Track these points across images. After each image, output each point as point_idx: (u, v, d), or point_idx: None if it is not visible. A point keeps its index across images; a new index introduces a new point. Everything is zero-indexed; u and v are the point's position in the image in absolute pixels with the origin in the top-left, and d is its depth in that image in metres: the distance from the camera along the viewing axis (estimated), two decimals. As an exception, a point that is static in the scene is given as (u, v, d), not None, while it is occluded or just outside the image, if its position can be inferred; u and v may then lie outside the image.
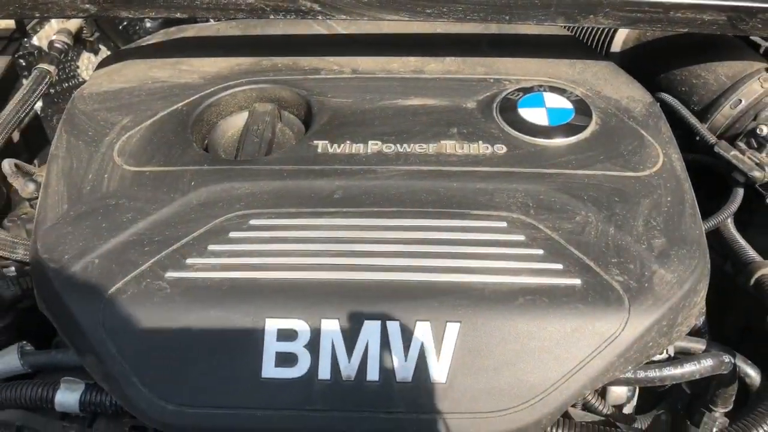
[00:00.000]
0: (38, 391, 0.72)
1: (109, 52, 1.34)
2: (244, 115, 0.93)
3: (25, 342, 0.78)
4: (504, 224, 0.74)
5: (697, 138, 0.90)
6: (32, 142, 1.13)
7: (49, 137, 1.16)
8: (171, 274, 0.70)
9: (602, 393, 0.78)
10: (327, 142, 0.84)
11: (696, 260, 0.71)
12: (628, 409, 0.82)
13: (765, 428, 0.64)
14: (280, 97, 0.94)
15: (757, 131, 0.87)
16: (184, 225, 0.75)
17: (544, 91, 0.89)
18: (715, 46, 0.97)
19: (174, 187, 0.79)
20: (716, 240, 0.87)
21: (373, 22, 1.01)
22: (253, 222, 0.75)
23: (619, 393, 0.79)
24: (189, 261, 0.72)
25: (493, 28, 1.03)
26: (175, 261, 0.72)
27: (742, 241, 0.83)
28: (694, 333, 0.79)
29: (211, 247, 0.73)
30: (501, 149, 0.82)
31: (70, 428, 0.74)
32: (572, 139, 0.83)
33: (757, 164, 0.84)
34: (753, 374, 0.74)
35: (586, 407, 0.77)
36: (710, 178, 0.92)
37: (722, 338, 0.81)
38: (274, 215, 0.76)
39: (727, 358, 0.73)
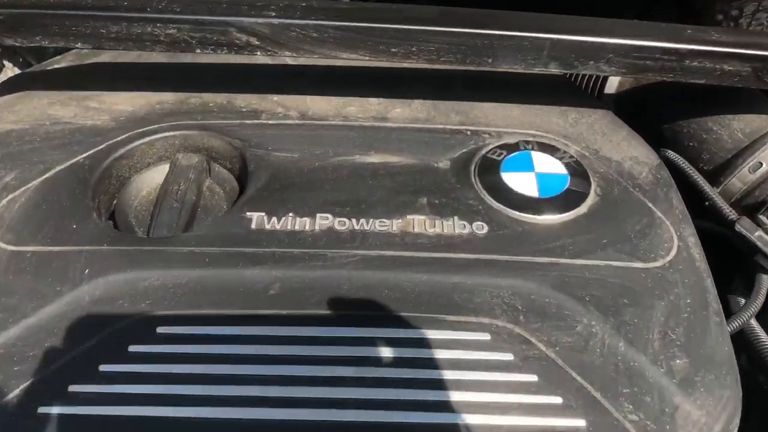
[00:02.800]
0: None
1: (17, 71, 1.14)
2: (163, 169, 0.75)
3: None
4: (487, 336, 0.58)
5: (712, 209, 0.75)
6: None
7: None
8: (45, 410, 0.53)
9: None
10: (264, 214, 0.66)
11: (728, 390, 0.56)
12: None
13: None
14: (209, 147, 0.76)
15: (785, 205, 0.73)
16: (70, 333, 0.57)
17: (533, 149, 0.74)
18: (729, 93, 0.82)
19: (62, 276, 0.61)
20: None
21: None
22: (160, 330, 0.57)
23: None
24: (73, 388, 0.54)
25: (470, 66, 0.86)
26: (53, 388, 0.54)
27: (763, 336, 0.69)
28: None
29: (104, 368, 0.55)
30: (481, 228, 0.66)
31: None
32: (568, 216, 0.68)
33: (787, 248, 0.70)
34: None
35: None
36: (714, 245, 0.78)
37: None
38: (189, 320, 0.58)
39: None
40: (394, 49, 0.70)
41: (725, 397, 0.56)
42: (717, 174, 0.80)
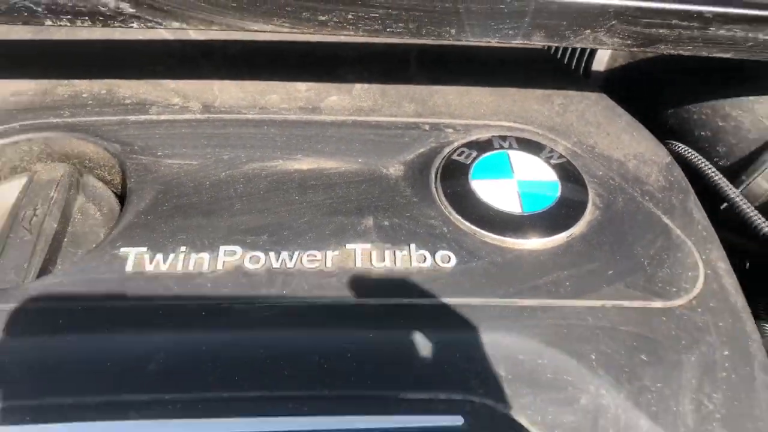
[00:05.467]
0: None
1: None
2: (17, 186, 0.55)
3: None
4: (460, 420, 0.41)
5: (737, 217, 0.59)
6: None
7: None
8: None
9: None
10: (145, 249, 0.48)
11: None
12: None
13: None
14: (80, 154, 0.56)
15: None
16: None
17: (510, 147, 0.56)
18: (749, 70, 0.66)
19: None
20: None
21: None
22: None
23: None
24: None
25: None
26: None
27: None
28: None
29: None
30: (447, 260, 0.49)
31: None
32: (561, 239, 0.51)
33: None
34: None
35: None
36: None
37: None
38: (36, 417, 0.40)
39: None
40: (322, 17, 0.52)
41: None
42: (738, 171, 0.64)
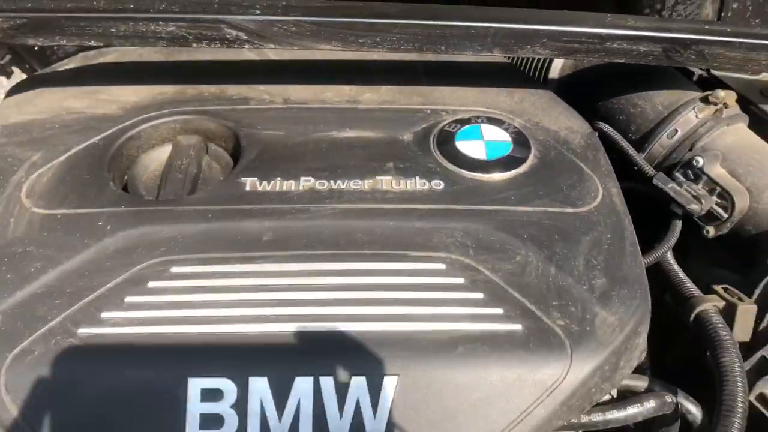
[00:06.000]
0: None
1: (24, 76, 1.25)
2: (167, 149, 0.87)
3: None
4: (443, 266, 0.71)
5: (635, 168, 0.89)
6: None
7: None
8: (84, 330, 0.64)
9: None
10: (256, 179, 0.79)
11: (637, 301, 0.70)
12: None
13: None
14: (206, 129, 0.88)
15: (693, 162, 0.86)
16: (99, 274, 0.69)
17: (482, 122, 0.87)
18: (651, 74, 0.97)
19: (88, 231, 0.73)
20: (655, 271, 0.86)
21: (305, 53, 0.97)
22: (174, 270, 0.69)
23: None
24: (104, 315, 0.66)
25: (430, 55, 1.00)
26: (88, 315, 0.66)
27: (681, 275, 0.83)
28: (636, 370, 0.78)
29: (129, 299, 0.67)
30: (439, 185, 0.79)
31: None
32: (511, 174, 0.81)
33: (694, 197, 0.83)
34: (695, 411, 0.73)
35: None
36: (642, 204, 0.91)
37: (662, 370, 0.80)
38: (198, 262, 0.70)
39: (669, 398, 0.72)
40: (361, 40, 0.84)
41: (635, 306, 0.69)
42: (643, 141, 0.94)
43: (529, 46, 0.84)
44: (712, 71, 1.01)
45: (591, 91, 1.03)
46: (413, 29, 0.83)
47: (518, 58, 1.11)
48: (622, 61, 0.86)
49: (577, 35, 0.83)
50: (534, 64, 1.09)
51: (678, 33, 0.84)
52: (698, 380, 0.79)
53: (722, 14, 0.98)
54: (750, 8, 0.98)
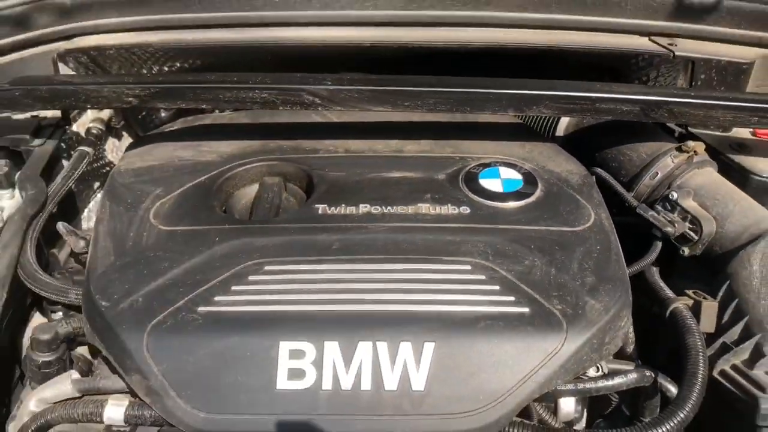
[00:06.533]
0: (90, 407, 0.87)
1: (130, 139, 1.55)
2: (256, 186, 1.13)
3: (73, 370, 0.93)
4: (468, 267, 0.93)
5: (625, 203, 1.11)
6: (67, 212, 1.31)
7: (79, 210, 1.35)
8: (202, 309, 0.88)
9: (554, 410, 0.94)
10: (326, 205, 1.04)
11: (619, 293, 0.91)
12: (578, 426, 0.98)
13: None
14: (285, 172, 1.14)
15: (670, 197, 1.08)
16: (211, 271, 0.93)
17: (500, 166, 1.11)
18: (637, 130, 1.20)
19: (202, 242, 0.98)
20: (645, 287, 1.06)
21: (361, 112, 1.24)
22: (267, 268, 0.93)
23: (568, 410, 0.95)
24: (217, 298, 0.89)
25: (458, 117, 1.26)
26: (205, 299, 0.89)
27: (661, 284, 1.03)
28: (626, 359, 0.97)
29: (234, 288, 0.90)
30: (466, 210, 1.02)
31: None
32: (522, 203, 1.04)
33: (669, 222, 1.05)
34: (671, 388, 0.91)
35: (541, 422, 0.93)
36: (639, 238, 1.13)
37: (653, 364, 0.99)
38: (284, 263, 0.94)
39: (648, 372, 0.91)
40: (406, 103, 1.10)
41: (617, 297, 0.90)
42: (631, 182, 1.17)
43: (535, 107, 1.09)
44: (690, 129, 1.25)
45: (590, 144, 1.27)
46: (446, 95, 1.09)
47: (532, 120, 1.36)
48: (610, 118, 1.10)
49: (572, 98, 1.08)
50: (544, 124, 1.34)
51: (652, 96, 1.08)
52: (682, 367, 0.97)
53: (692, 83, 1.22)
54: (715, 79, 1.22)
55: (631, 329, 0.98)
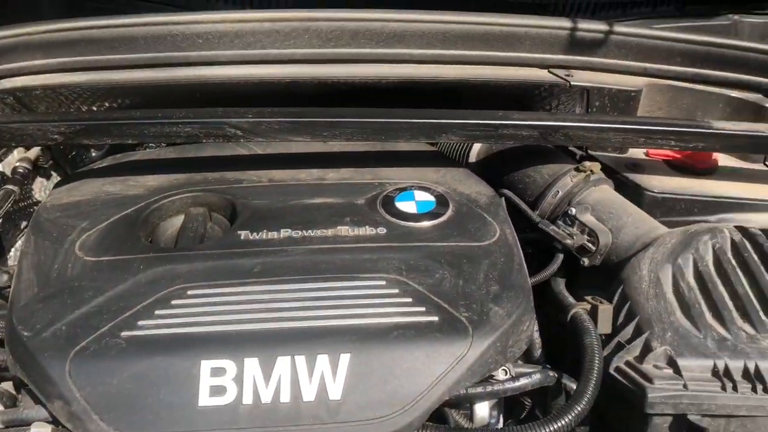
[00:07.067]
0: (12, 434, 0.88)
1: (59, 178, 1.57)
2: (181, 217, 1.17)
3: (-5, 402, 0.94)
4: (383, 282, 0.99)
5: (529, 219, 1.20)
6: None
7: (5, 249, 1.35)
8: (126, 333, 0.91)
9: (470, 416, 1.00)
10: (248, 231, 1.08)
11: (520, 299, 0.98)
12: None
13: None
14: (210, 202, 1.19)
15: (569, 212, 1.18)
16: (135, 298, 0.96)
17: (415, 189, 1.19)
18: (540, 154, 1.31)
19: (126, 270, 1.01)
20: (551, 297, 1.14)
21: (284, 144, 1.30)
22: (190, 292, 0.97)
23: (483, 414, 1.01)
24: (140, 323, 0.92)
25: (378, 146, 1.33)
26: (129, 324, 0.92)
27: (565, 293, 1.11)
28: (535, 363, 1.04)
29: (158, 312, 0.94)
30: (382, 231, 1.09)
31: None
32: (434, 222, 1.11)
33: (568, 235, 1.14)
34: (574, 387, 0.99)
35: (457, 427, 0.99)
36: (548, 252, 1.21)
37: (563, 369, 1.07)
38: (207, 287, 0.98)
39: (552, 373, 0.98)
40: (325, 133, 1.17)
41: (518, 303, 0.97)
42: (536, 201, 1.26)
43: (444, 134, 1.18)
44: (590, 152, 1.36)
45: (499, 168, 1.36)
46: (361, 125, 1.16)
47: (447, 146, 1.45)
48: (512, 143, 1.20)
49: (477, 125, 1.17)
50: (458, 150, 1.43)
51: (549, 122, 1.18)
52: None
53: (588, 110, 1.34)
54: (608, 105, 1.34)
55: (537, 335, 1.05)
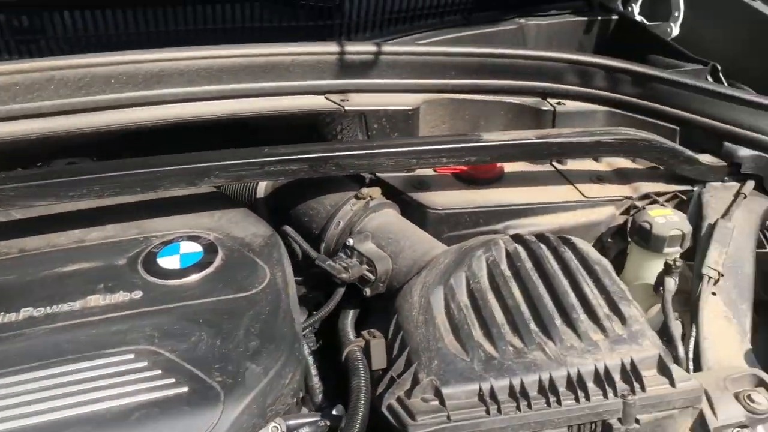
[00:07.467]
0: None
1: None
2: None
3: None
4: (132, 356, 0.90)
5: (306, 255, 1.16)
6: None
7: None
8: None
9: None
10: None
11: (281, 352, 0.93)
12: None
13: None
14: None
15: (347, 243, 1.15)
16: None
17: (182, 240, 1.11)
18: (323, 184, 1.27)
19: None
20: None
21: (45, 207, 1.18)
22: None
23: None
24: None
25: (151, 194, 1.24)
26: None
27: (347, 329, 1.08)
28: (318, 409, 1.00)
29: None
30: (137, 295, 1.00)
31: None
32: (199, 276, 1.04)
33: (344, 268, 1.11)
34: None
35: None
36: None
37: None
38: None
39: (322, 423, 0.94)
40: (71, 194, 1.07)
41: (278, 357, 0.92)
42: (321, 234, 1.22)
43: (206, 178, 1.11)
44: (378, 174, 1.33)
45: (284, 203, 1.31)
46: (110, 180, 1.07)
47: (235, 186, 1.38)
48: (281, 178, 1.15)
49: (239, 165, 1.11)
50: (247, 189, 1.37)
51: (315, 153, 1.14)
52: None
53: (368, 134, 1.32)
54: (387, 126, 1.33)
55: (316, 379, 1.01)
